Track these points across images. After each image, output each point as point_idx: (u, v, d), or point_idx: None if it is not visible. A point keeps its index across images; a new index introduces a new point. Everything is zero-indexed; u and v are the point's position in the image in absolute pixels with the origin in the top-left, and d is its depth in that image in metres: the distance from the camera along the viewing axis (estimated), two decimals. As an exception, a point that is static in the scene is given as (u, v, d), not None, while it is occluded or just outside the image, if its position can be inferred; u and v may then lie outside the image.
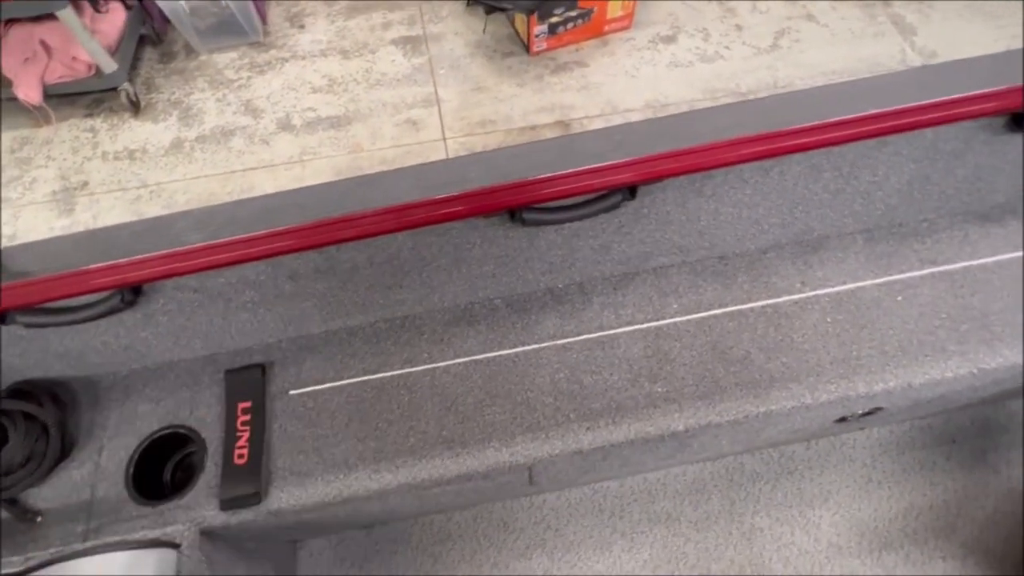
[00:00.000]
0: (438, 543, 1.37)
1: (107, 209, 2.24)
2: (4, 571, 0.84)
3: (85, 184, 2.32)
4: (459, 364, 1.10)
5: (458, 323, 1.14)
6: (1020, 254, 1.13)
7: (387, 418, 1.05)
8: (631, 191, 0.96)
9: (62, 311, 0.92)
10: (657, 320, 1.13)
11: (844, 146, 0.98)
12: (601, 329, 1.12)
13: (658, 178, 0.91)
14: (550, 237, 1.05)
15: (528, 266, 1.11)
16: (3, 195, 2.35)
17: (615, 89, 2.44)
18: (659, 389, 1.05)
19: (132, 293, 0.92)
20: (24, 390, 1.05)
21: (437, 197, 0.86)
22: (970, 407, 1.44)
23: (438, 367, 1.10)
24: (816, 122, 0.90)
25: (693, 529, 1.36)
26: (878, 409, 1.13)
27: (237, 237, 0.83)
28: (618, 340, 1.11)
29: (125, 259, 0.85)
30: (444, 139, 2.37)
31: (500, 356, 1.10)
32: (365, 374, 1.10)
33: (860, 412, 1.14)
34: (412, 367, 1.10)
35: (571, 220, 0.98)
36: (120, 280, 0.85)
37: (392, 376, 1.09)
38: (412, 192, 0.87)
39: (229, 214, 0.87)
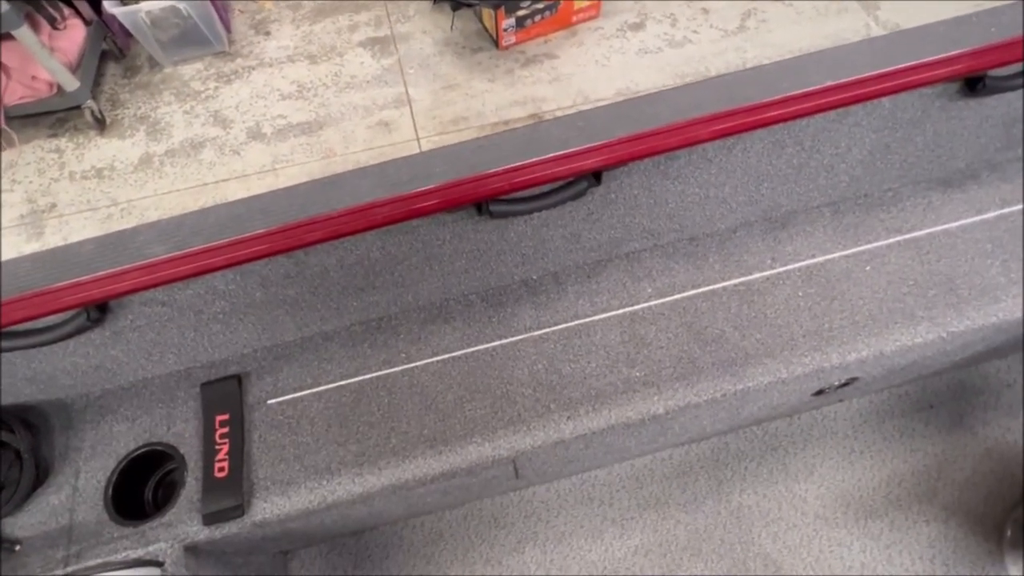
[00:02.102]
0: (430, 544, 1.37)
1: (78, 230, 2.21)
2: None
3: (53, 206, 2.28)
4: (437, 362, 1.10)
5: (434, 321, 1.14)
6: (981, 218, 1.15)
7: (367, 421, 1.05)
8: (596, 177, 0.96)
9: (27, 333, 0.91)
10: (632, 305, 1.13)
11: (805, 120, 0.99)
12: (577, 318, 1.13)
13: (622, 162, 0.92)
14: (519, 228, 1.05)
15: (500, 259, 1.11)
16: None
17: (586, 79, 2.45)
18: (637, 374, 1.06)
19: (98, 311, 0.91)
20: (-5, 416, 1.03)
21: (402, 194, 0.86)
22: (944, 372, 1.46)
23: (416, 366, 1.10)
24: (775, 97, 0.90)
25: (682, 511, 1.37)
26: (854, 379, 1.15)
27: (201, 247, 0.82)
28: (594, 328, 1.11)
29: (88, 276, 0.83)
30: (417, 139, 2.36)
31: (478, 351, 1.10)
32: (343, 378, 1.09)
33: (836, 383, 1.16)
34: (390, 368, 1.10)
35: (538, 210, 0.98)
36: (84, 298, 0.84)
37: (370, 379, 1.09)
38: (378, 191, 0.87)
39: (193, 224, 0.86)
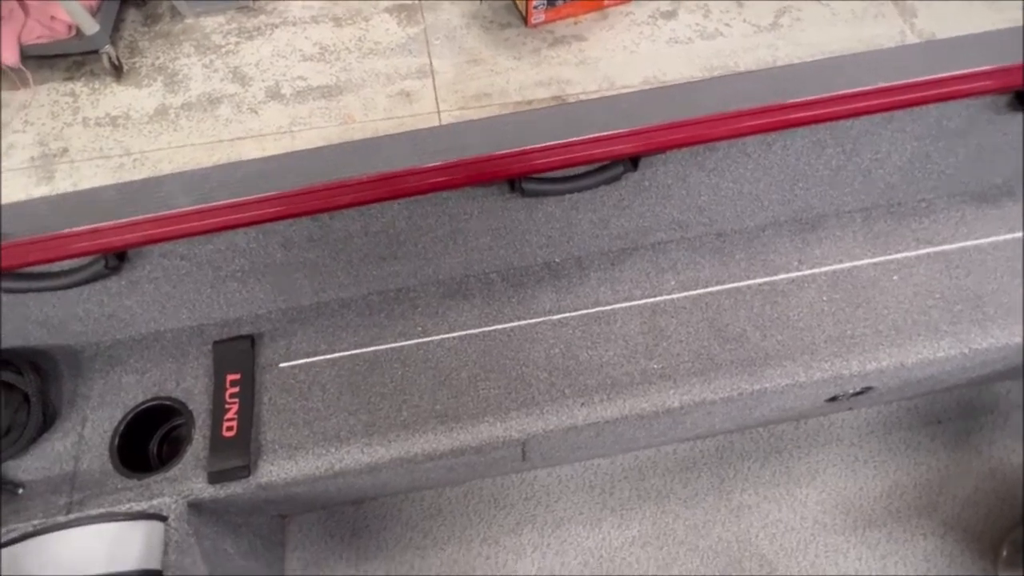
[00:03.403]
0: (428, 518, 1.37)
1: (88, 177, 2.18)
2: None
3: (65, 151, 2.25)
4: (454, 338, 1.09)
5: (453, 296, 1.12)
6: (1016, 236, 1.13)
7: (380, 392, 1.04)
8: (633, 163, 0.94)
9: (43, 276, 0.89)
10: (654, 296, 1.12)
11: (850, 121, 0.96)
12: (598, 305, 1.11)
13: (661, 149, 0.89)
14: (549, 209, 1.03)
15: (525, 239, 1.09)
16: None
17: (613, 65, 2.40)
18: (655, 366, 1.05)
19: (117, 259, 0.89)
20: (3, 359, 1.01)
21: (434, 164, 0.84)
22: (956, 388, 1.45)
23: (432, 341, 1.08)
24: (824, 95, 0.88)
25: (682, 506, 1.37)
26: (869, 389, 1.14)
27: (228, 201, 0.80)
28: (615, 316, 1.10)
29: (110, 222, 0.81)
30: (438, 112, 2.32)
31: (495, 331, 1.09)
32: (357, 347, 1.08)
33: (851, 391, 1.15)
34: (406, 340, 1.08)
35: (572, 191, 0.96)
36: (104, 244, 0.82)
37: (385, 349, 1.08)
38: (409, 158, 0.84)
39: (220, 178, 0.83)
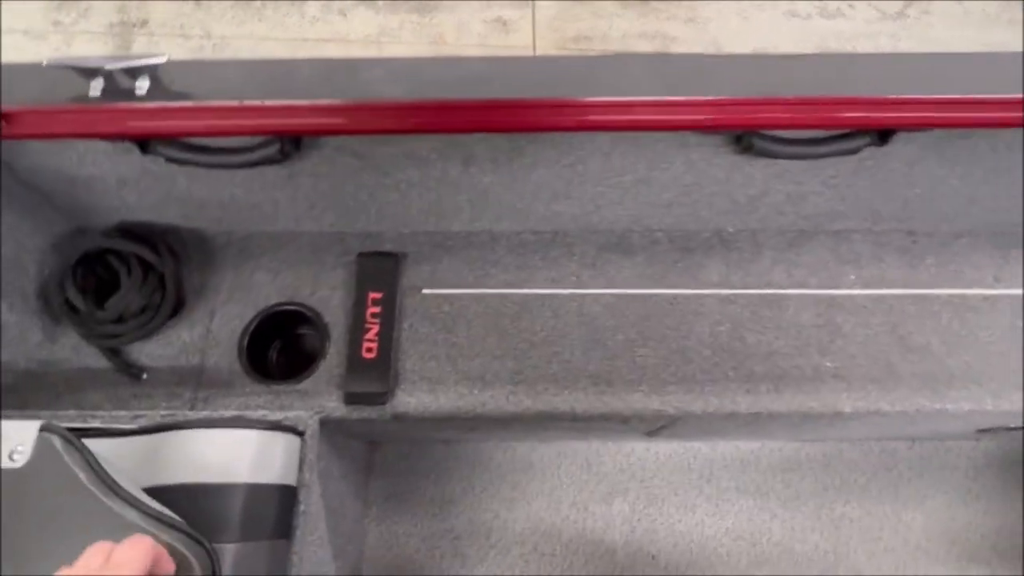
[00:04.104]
0: (519, 471, 1.32)
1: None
2: (121, 425, 0.76)
3: (145, 22, 2.13)
4: (611, 295, 0.99)
5: (613, 249, 1.03)
6: None
7: (528, 339, 0.96)
8: (882, 136, 0.82)
9: (210, 150, 0.79)
10: (832, 288, 1.01)
11: None
12: (770, 287, 1.01)
13: (928, 125, 0.77)
14: (755, 173, 0.92)
15: (710, 201, 0.98)
16: (54, 17, 2.16)
17: (724, 28, 2.23)
18: (828, 364, 0.96)
19: (294, 145, 0.79)
20: (138, 232, 0.93)
21: (687, 99, 0.72)
22: None
23: (588, 294, 0.99)
24: None
25: (781, 507, 1.31)
26: None
27: (445, 100, 0.70)
28: (787, 302, 1.00)
29: (307, 102, 0.71)
30: (534, 47, 2.16)
31: (657, 295, 1.00)
32: (507, 286, 0.99)
33: (1012, 426, 1.06)
34: (558, 288, 0.99)
35: (805, 157, 0.84)
36: (294, 126, 0.72)
37: (536, 295, 0.99)
38: (655, 87, 0.73)
39: (434, 74, 0.72)
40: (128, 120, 0.71)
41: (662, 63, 0.82)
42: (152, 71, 0.71)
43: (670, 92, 0.75)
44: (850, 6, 2.31)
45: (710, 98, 0.75)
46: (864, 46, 2.24)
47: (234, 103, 0.72)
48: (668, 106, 0.75)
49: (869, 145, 0.83)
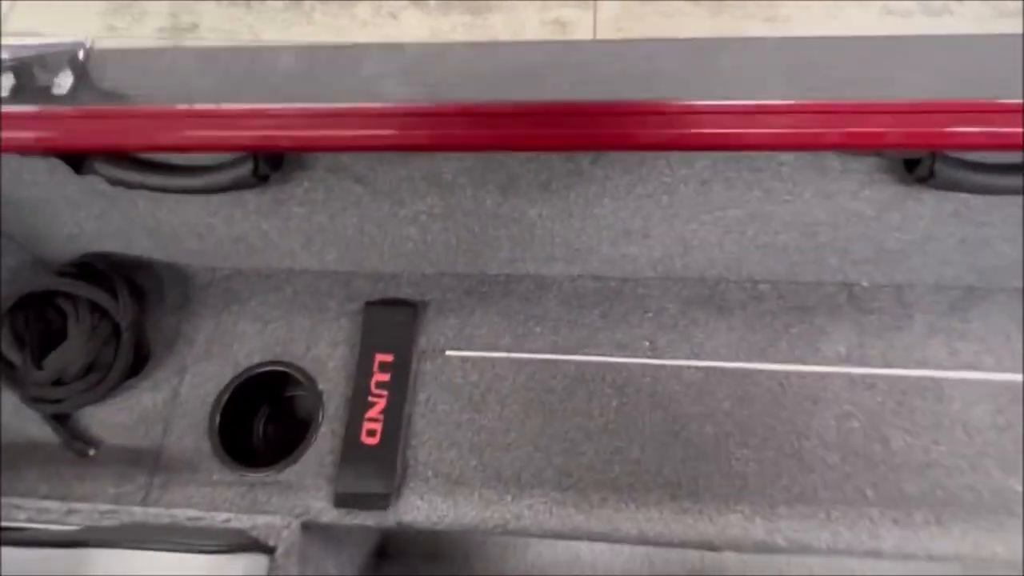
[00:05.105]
0: (562, 565, 1.06)
1: (215, 59, 1.98)
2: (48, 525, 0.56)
3: (195, 27, 2.10)
4: (697, 369, 0.73)
5: (702, 305, 0.77)
6: None
7: (583, 426, 0.71)
8: None
9: (162, 168, 0.60)
10: (1017, 372, 0.72)
11: None
12: (924, 366, 0.72)
13: None
14: (923, 210, 0.64)
15: (845, 247, 0.71)
16: (110, 22, 2.13)
17: (808, 28, 1.94)
18: (1015, 486, 0.66)
19: (271, 165, 0.58)
20: (95, 267, 0.75)
21: (842, 103, 0.46)
22: None
23: (666, 366, 0.74)
24: None
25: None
26: None
27: (476, 104, 0.46)
28: (951, 390, 0.71)
29: (276, 106, 0.49)
30: (595, 51, 1.94)
31: (761, 371, 0.73)
32: (556, 351, 0.75)
33: None
34: (626, 357, 0.74)
35: (1005, 192, 0.56)
36: (270, 139, 0.51)
37: (595, 364, 0.74)
38: (778, 86, 0.48)
39: (460, 65, 0.50)
40: (41, 129, 0.52)
41: (791, 48, 0.56)
42: (75, 63, 0.52)
43: (801, 92, 0.50)
44: (959, 3, 1.97)
45: (877, 102, 0.49)
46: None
47: (185, 107, 0.51)
48: (810, 114, 0.49)
49: None
